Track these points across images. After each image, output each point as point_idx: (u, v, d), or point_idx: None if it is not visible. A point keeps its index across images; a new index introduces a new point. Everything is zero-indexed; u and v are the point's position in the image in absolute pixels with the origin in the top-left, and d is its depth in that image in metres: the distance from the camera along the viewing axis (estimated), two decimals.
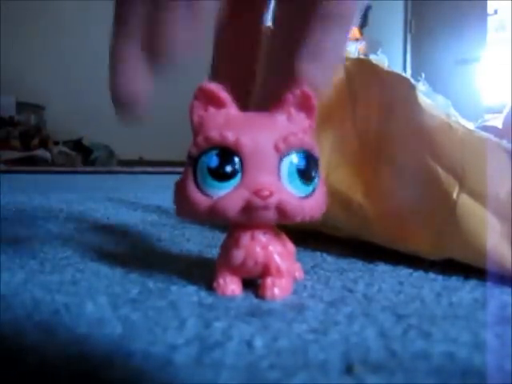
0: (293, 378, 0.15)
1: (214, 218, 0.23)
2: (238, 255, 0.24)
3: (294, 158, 0.23)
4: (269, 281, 0.24)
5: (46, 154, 2.39)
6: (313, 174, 0.23)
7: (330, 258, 0.33)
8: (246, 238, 0.24)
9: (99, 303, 0.22)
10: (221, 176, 0.22)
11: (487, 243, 0.27)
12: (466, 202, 0.28)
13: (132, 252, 0.35)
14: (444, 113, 0.30)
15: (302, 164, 0.23)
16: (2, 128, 2.40)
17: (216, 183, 0.22)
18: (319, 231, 0.40)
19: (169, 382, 0.15)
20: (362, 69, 0.35)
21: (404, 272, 0.30)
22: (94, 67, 2.36)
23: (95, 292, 0.24)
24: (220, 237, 0.34)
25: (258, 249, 0.24)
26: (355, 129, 0.35)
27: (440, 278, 0.28)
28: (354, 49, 0.38)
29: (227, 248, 0.24)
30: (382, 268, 0.31)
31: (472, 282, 0.27)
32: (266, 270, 0.24)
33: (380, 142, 0.34)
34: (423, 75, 0.33)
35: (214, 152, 0.22)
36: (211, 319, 0.20)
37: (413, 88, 0.31)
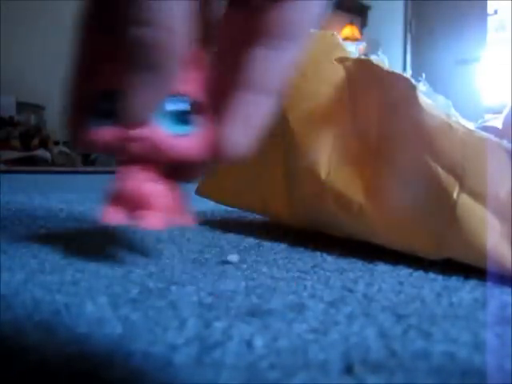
0: (293, 377, 0.15)
1: (95, 151, 0.27)
2: (122, 189, 0.26)
3: (170, 101, 0.25)
4: (146, 213, 0.26)
5: (46, 154, 2.39)
6: (190, 116, 0.25)
7: (330, 258, 0.33)
8: (129, 174, 0.26)
9: (99, 303, 0.22)
10: (104, 115, 0.25)
11: (487, 243, 0.27)
12: (466, 202, 0.28)
13: (132, 252, 0.35)
14: (444, 113, 0.30)
15: (178, 107, 0.25)
16: (2, 128, 2.40)
17: (99, 121, 0.25)
18: (319, 231, 0.40)
19: (169, 382, 0.15)
20: (363, 69, 0.35)
21: (404, 272, 0.30)
22: None
23: (95, 292, 0.24)
24: (220, 237, 0.35)
25: (140, 184, 0.26)
26: (355, 129, 0.35)
27: (440, 277, 0.28)
28: (354, 49, 0.38)
29: (114, 182, 0.27)
30: (381, 268, 0.31)
31: (472, 282, 0.27)
32: (146, 204, 0.26)
33: (380, 142, 0.34)
34: (424, 75, 0.33)
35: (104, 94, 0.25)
36: (211, 319, 0.20)
37: (413, 88, 0.31)
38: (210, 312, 0.21)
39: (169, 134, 0.25)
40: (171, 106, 0.25)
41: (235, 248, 0.36)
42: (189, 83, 0.26)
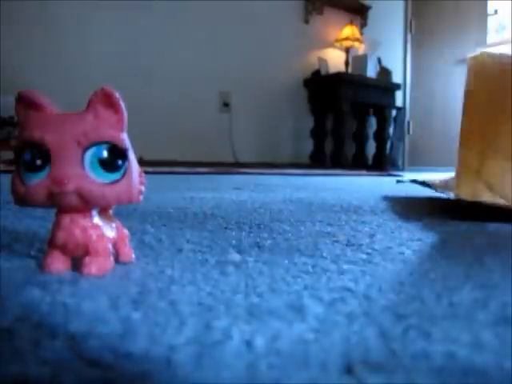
0: (293, 377, 0.15)
1: (30, 204, 0.27)
2: (60, 236, 0.27)
3: (96, 150, 0.26)
4: (87, 259, 0.27)
5: None
6: (118, 163, 0.27)
7: (330, 258, 0.33)
8: (66, 221, 0.27)
9: (99, 303, 0.22)
10: (33, 168, 0.26)
11: None
12: None
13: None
14: None
15: (104, 155, 0.26)
16: (2, 128, 2.40)
17: (30, 174, 0.26)
18: None
19: (169, 382, 0.15)
20: None
21: (404, 272, 0.30)
22: (94, 67, 2.36)
23: (95, 292, 0.24)
24: (220, 237, 0.34)
25: (78, 231, 0.27)
26: None
27: (440, 277, 0.28)
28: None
29: (52, 230, 0.28)
30: (382, 268, 0.31)
31: (472, 282, 0.27)
32: (86, 250, 0.27)
33: None
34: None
35: (29, 148, 0.26)
36: (211, 319, 0.20)
37: None
38: (210, 312, 0.21)
39: (96, 182, 0.26)
40: (94, 155, 0.26)
41: (235, 248, 0.36)
42: (109, 128, 0.27)
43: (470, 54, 0.55)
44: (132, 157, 0.28)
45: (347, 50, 3.09)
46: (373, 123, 3.07)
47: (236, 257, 0.32)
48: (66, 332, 0.18)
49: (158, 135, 2.39)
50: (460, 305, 0.23)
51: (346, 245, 0.37)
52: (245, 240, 0.40)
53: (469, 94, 0.54)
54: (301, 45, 3.00)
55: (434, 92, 3.42)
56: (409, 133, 3.50)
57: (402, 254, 0.34)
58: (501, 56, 0.52)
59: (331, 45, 3.16)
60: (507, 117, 0.51)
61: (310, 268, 0.30)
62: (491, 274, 0.29)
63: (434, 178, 1.08)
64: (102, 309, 0.21)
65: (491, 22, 3.41)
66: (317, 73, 2.94)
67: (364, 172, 2.34)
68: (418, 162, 3.40)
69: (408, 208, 0.71)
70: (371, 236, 0.43)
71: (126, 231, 0.31)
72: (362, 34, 3.26)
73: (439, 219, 0.55)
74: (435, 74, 3.44)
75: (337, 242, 0.38)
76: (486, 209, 0.55)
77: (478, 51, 0.54)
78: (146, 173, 0.30)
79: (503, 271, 0.29)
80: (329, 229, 0.47)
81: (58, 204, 0.26)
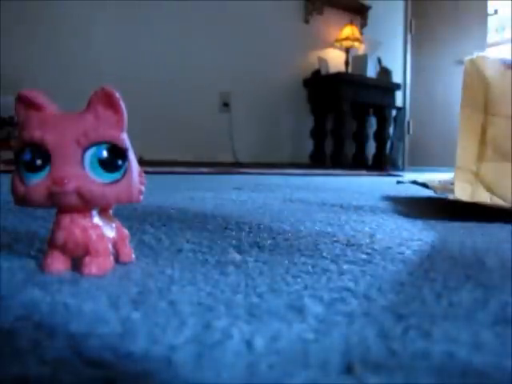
0: (293, 377, 0.15)
1: (30, 204, 0.27)
2: (60, 236, 0.27)
3: (96, 150, 0.26)
4: (87, 259, 0.27)
5: None
6: (118, 163, 0.27)
7: (330, 258, 0.33)
8: (66, 221, 0.27)
9: (99, 303, 0.22)
10: (33, 168, 0.26)
11: None
12: None
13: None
14: None
15: (104, 155, 0.26)
16: (2, 128, 2.40)
17: (29, 174, 0.26)
18: None
19: (169, 382, 0.15)
20: None
21: (404, 272, 0.30)
22: (94, 67, 2.36)
23: (95, 292, 0.24)
24: (219, 238, 0.34)
25: (77, 231, 0.27)
26: None
27: (440, 277, 0.28)
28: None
29: (52, 230, 0.28)
30: (382, 268, 0.31)
31: (472, 282, 0.27)
32: (86, 250, 0.27)
33: None
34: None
35: (29, 148, 0.26)
36: (211, 319, 0.20)
37: None
38: (210, 312, 0.21)
39: (97, 182, 0.26)
40: (94, 155, 0.26)
41: (235, 248, 0.36)
42: (109, 128, 0.27)
43: (468, 57, 0.55)
44: (132, 157, 0.28)
45: (347, 50, 3.09)
46: (373, 123, 3.07)
47: (236, 257, 0.32)
48: (66, 332, 0.18)
49: (158, 135, 2.39)
50: (460, 305, 0.23)
51: (346, 245, 0.37)
52: (245, 240, 0.40)
53: (466, 96, 0.54)
54: (301, 45, 3.00)
55: (434, 92, 3.42)
56: (409, 133, 3.50)
57: (402, 254, 0.34)
58: (497, 59, 0.52)
59: (331, 45, 3.16)
60: (505, 118, 0.51)
61: (310, 268, 0.30)
62: (491, 274, 0.29)
63: (434, 178, 1.08)
64: (102, 309, 0.21)
65: (491, 22, 3.41)
66: (317, 73, 2.94)
67: (364, 172, 2.34)
68: (418, 162, 3.40)
69: (408, 208, 0.71)
70: (371, 236, 0.43)
71: (125, 231, 0.31)
72: (362, 33, 3.26)
73: (439, 219, 0.56)
74: (435, 73, 3.44)
75: (337, 241, 0.38)
76: (485, 209, 0.55)
77: (475, 54, 0.55)
78: (146, 173, 0.30)
79: (503, 271, 0.29)
80: (329, 229, 0.47)
81: (58, 204, 0.26)
